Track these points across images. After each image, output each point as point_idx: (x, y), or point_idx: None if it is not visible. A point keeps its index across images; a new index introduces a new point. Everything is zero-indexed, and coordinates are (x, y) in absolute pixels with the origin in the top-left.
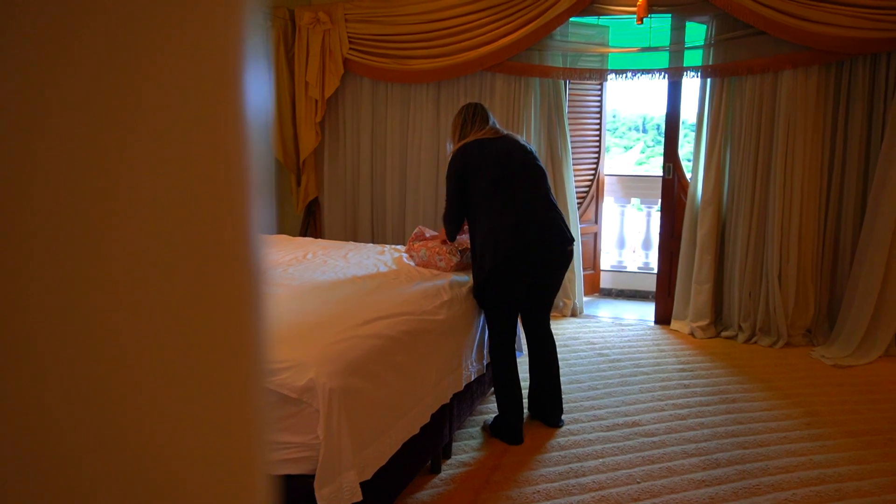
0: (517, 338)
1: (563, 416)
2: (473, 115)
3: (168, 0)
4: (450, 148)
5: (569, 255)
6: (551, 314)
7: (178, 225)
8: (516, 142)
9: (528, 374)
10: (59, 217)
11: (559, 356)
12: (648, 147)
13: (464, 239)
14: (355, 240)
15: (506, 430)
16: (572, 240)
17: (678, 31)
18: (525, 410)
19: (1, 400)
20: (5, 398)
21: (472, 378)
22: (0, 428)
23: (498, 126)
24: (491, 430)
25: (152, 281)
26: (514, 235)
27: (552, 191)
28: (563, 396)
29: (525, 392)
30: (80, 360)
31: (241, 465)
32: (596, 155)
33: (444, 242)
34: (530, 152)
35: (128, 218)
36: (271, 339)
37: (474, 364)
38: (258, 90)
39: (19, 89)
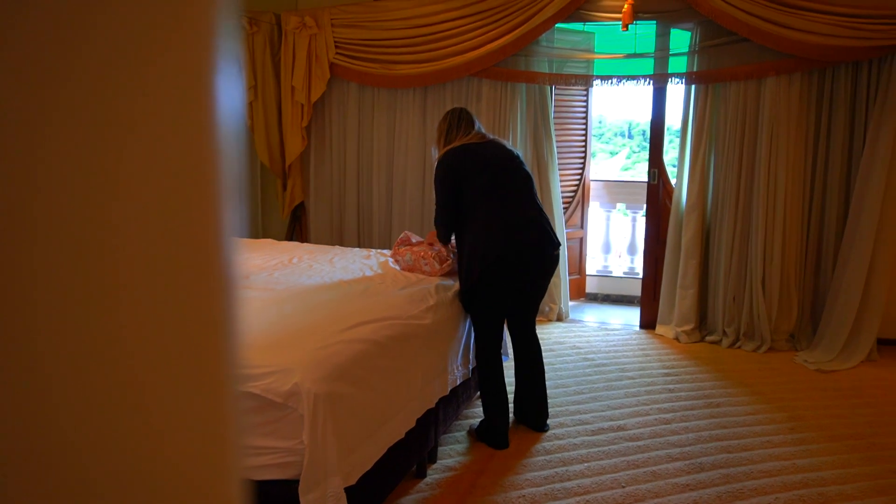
0: (503, 342)
1: (549, 421)
2: (459, 120)
3: (140, 8)
4: (434, 153)
5: (555, 260)
6: (537, 319)
7: (153, 230)
8: (503, 147)
9: (513, 379)
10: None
11: (545, 361)
12: (634, 153)
13: (451, 242)
14: (341, 244)
15: (491, 435)
16: (559, 244)
17: (663, 38)
18: (511, 415)
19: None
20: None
21: (458, 383)
22: None
23: (484, 131)
24: (477, 434)
25: (129, 285)
26: (503, 240)
27: (538, 195)
28: (548, 401)
29: (511, 396)
30: (62, 362)
31: (211, 469)
32: (582, 160)
33: (430, 245)
34: (517, 157)
35: (113, 222)
36: (250, 343)
37: (460, 368)
38: (231, 97)
39: (20, 97)
